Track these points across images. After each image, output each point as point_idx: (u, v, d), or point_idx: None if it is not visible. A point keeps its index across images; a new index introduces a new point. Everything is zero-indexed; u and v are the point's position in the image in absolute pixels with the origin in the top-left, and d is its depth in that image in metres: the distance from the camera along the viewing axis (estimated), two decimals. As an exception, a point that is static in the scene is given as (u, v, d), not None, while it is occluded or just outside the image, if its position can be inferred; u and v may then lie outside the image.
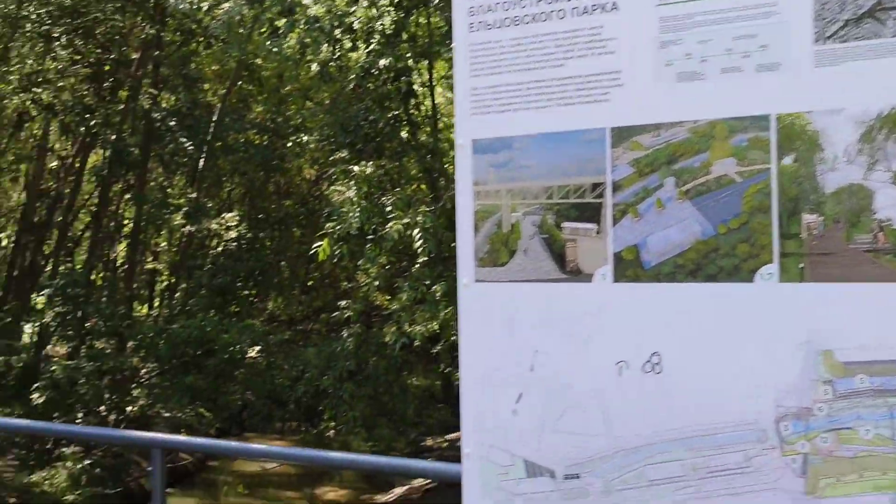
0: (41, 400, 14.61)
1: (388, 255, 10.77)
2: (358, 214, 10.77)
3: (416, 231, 10.31)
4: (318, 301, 21.88)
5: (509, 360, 2.25)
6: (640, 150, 2.10)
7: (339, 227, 10.90)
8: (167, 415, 15.82)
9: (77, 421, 15.41)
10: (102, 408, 15.40)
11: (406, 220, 10.42)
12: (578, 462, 2.17)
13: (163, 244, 23.85)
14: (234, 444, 4.57)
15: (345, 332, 13.41)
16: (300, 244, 19.41)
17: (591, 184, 2.16)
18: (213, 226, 19.96)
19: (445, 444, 18.86)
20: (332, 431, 16.44)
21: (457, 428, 20.53)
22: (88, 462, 14.32)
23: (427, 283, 10.57)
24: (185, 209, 20.11)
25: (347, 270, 23.82)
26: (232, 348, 14.76)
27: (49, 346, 16.78)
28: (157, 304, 21.41)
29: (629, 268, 2.11)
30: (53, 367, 14.77)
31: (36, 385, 14.74)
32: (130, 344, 15.25)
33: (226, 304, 16.26)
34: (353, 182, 11.09)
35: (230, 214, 20.46)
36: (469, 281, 2.31)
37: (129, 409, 15.76)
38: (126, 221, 22.28)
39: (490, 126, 2.28)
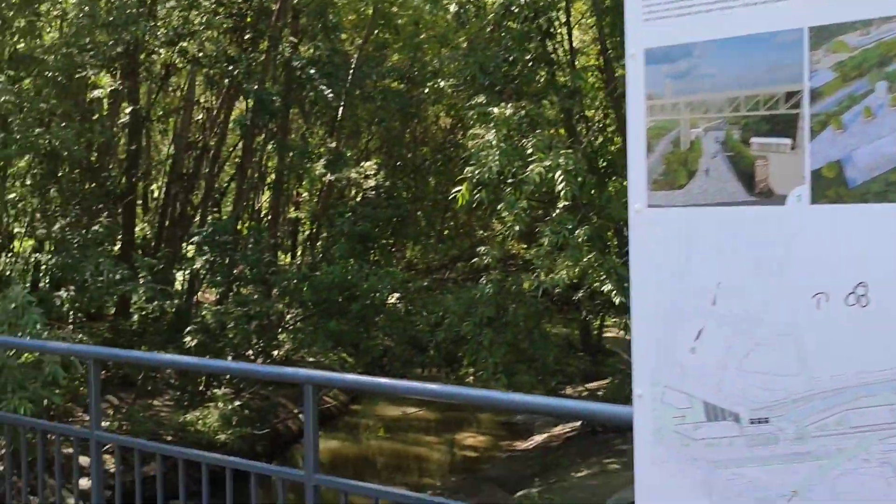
0: (193, 343, 15.20)
1: (528, 200, 10.55)
2: (497, 158, 10.57)
3: (557, 174, 10.05)
4: (454, 250, 21.91)
5: (687, 293, 2.03)
6: (845, 51, 1.82)
7: (478, 171, 10.74)
8: (311, 359, 16.26)
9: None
10: (250, 352, 15.93)
11: (547, 163, 10.16)
12: (767, 405, 1.95)
13: (304, 193, 24.37)
14: (384, 381, 4.47)
15: (483, 278, 13.32)
16: (436, 192, 19.41)
17: (785, 93, 1.89)
18: (353, 175, 20.20)
19: (586, 393, 18.69)
20: (471, 377, 16.52)
21: (596, 377, 20.31)
22: (238, 403, 14.86)
23: (569, 227, 10.32)
24: (325, 158, 20.42)
25: (483, 219, 23.78)
26: (373, 295, 14.91)
27: (199, 293, 17.42)
28: (299, 251, 21.90)
29: (830, 187, 1.85)
30: (204, 313, 15.34)
31: (188, 329, 15.36)
32: (275, 290, 15.65)
33: (366, 252, 16.43)
34: (492, 124, 10.89)
35: (368, 163, 20.67)
36: (641, 206, 2.09)
37: (274, 353, 16.26)
38: (269, 171, 22.85)
39: (666, 33, 2.03)
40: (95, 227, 13.94)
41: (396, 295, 15.91)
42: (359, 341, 15.19)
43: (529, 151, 10.49)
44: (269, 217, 22.53)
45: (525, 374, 13.83)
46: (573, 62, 14.01)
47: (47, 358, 9.59)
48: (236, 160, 21.55)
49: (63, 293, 12.58)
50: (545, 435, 18.97)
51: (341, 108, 20.70)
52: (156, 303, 15.59)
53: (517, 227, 10.56)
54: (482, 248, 13.69)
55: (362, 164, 20.67)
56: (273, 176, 22.48)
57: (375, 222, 17.27)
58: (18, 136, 12.94)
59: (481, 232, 26.45)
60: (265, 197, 23.44)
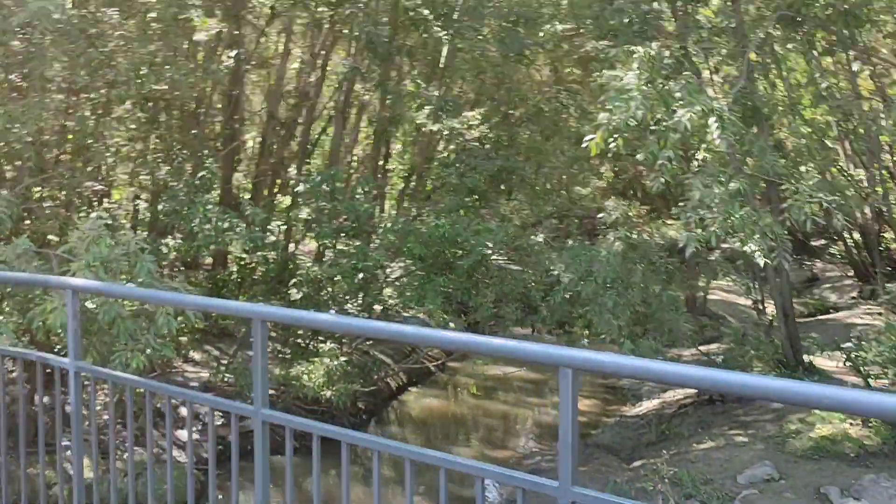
0: (299, 296, 14.68)
1: (674, 149, 9.54)
2: (641, 102, 9.59)
3: (711, 120, 9.03)
4: (551, 206, 20.97)
5: None
6: None
7: (616, 117, 9.78)
8: (420, 317, 15.60)
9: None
10: (350, 306, 15.35)
11: (698, 108, 9.14)
12: None
13: (398, 145, 23.63)
14: (345, 320, 4.03)
15: (610, 235, 12.38)
16: (542, 145, 18.44)
17: None
18: (456, 124, 19.33)
19: (701, 357, 17.67)
20: (585, 340, 15.67)
21: (707, 341, 19.26)
22: (344, 359, 14.32)
23: (721, 180, 9.31)
24: (427, 107, 19.62)
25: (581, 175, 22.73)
26: (483, 250, 14.12)
27: (300, 244, 16.87)
28: (396, 204, 21.19)
29: None
30: (309, 264, 14.79)
31: (293, 281, 14.84)
32: (379, 242, 15.00)
33: (475, 205, 15.61)
34: (636, 64, 9.88)
35: (472, 113, 19.76)
36: None
37: (377, 307, 15.66)
38: (370, 121, 22.15)
39: None
40: (202, 174, 13.39)
41: (508, 250, 15.10)
42: (468, 298, 14.43)
43: (678, 95, 9.46)
44: (364, 168, 21.91)
45: (648, 339, 12.91)
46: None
47: (159, 309, 9.06)
48: (331, 110, 20.88)
49: (170, 241, 12.08)
50: (656, 401, 18.07)
51: (445, 53, 19.83)
52: (259, 253, 15.09)
53: (662, 180, 9.59)
54: (609, 203, 12.73)
55: (466, 113, 19.77)
56: (373, 125, 21.79)
57: (484, 174, 16.39)
58: (125, 79, 12.41)
59: (579, 189, 25.43)
60: (362, 146, 22.80)
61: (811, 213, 8.98)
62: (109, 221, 12.77)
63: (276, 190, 18.93)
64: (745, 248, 9.99)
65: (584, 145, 10.43)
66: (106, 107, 13.41)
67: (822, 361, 16.58)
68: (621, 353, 12.89)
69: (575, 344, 15.30)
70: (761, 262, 10.36)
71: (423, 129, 20.85)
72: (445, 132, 20.09)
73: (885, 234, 25.91)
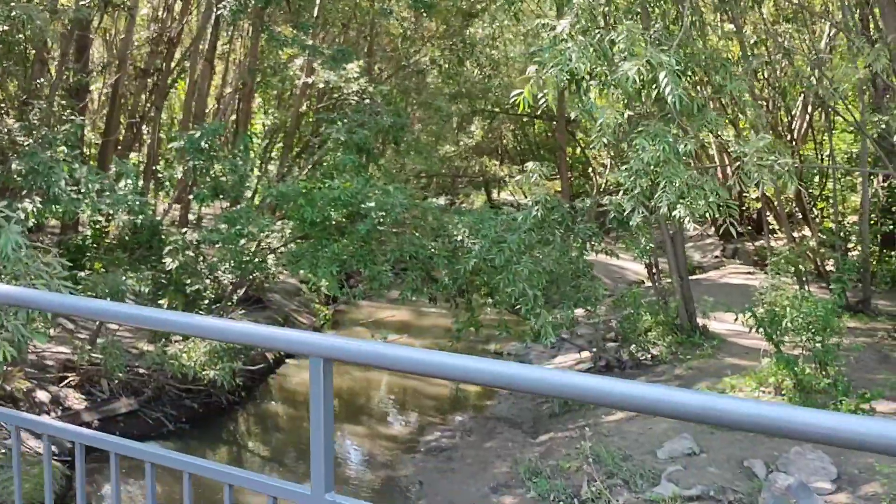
0: (174, 265, 13.17)
1: (621, 105, 8.72)
2: (578, 53, 8.69)
3: (662, 75, 8.23)
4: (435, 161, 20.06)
5: None
6: None
7: (552, 70, 8.86)
8: (308, 284, 14.38)
9: (206, 291, 14.04)
10: (222, 275, 13.97)
11: (646, 61, 8.32)
12: None
13: (272, 95, 22.07)
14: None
15: (530, 200, 11.51)
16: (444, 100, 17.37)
17: None
18: (333, 77, 18.04)
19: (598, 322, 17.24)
20: (488, 309, 14.87)
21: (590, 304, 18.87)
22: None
23: (668, 141, 8.56)
24: (301, 56, 18.26)
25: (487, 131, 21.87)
26: (382, 213, 13.01)
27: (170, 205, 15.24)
28: (271, 161, 19.71)
29: None
30: (185, 230, 13.28)
31: (168, 248, 13.31)
32: (258, 205, 13.64)
33: (366, 164, 14.43)
34: (571, 11, 8.96)
35: (351, 65, 18.49)
36: None
37: (265, 277, 14.36)
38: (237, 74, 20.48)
39: None
40: (67, 127, 11.61)
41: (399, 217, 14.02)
42: (363, 267, 13.30)
43: (621, 47, 8.61)
44: (236, 124, 20.30)
45: (563, 308, 12.21)
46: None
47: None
48: (195, 59, 19.10)
49: (28, 205, 10.34)
50: (547, 367, 17.40)
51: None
52: (126, 217, 13.43)
53: (605, 140, 8.74)
54: (531, 165, 11.84)
55: (345, 65, 18.47)
56: (241, 77, 20.18)
57: (373, 131, 15.21)
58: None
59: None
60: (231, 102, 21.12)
61: (763, 178, 8.35)
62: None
63: (134, 146, 17.09)
64: (675, 213, 9.33)
65: (511, 99, 9.47)
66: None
67: (712, 325, 16.49)
68: (534, 325, 12.18)
69: (475, 313, 14.49)
70: (690, 227, 9.78)
71: (296, 81, 19.47)
72: (321, 85, 18.80)
73: (746, 194, 26.18)
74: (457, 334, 14.64)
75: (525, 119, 31.30)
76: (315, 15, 19.48)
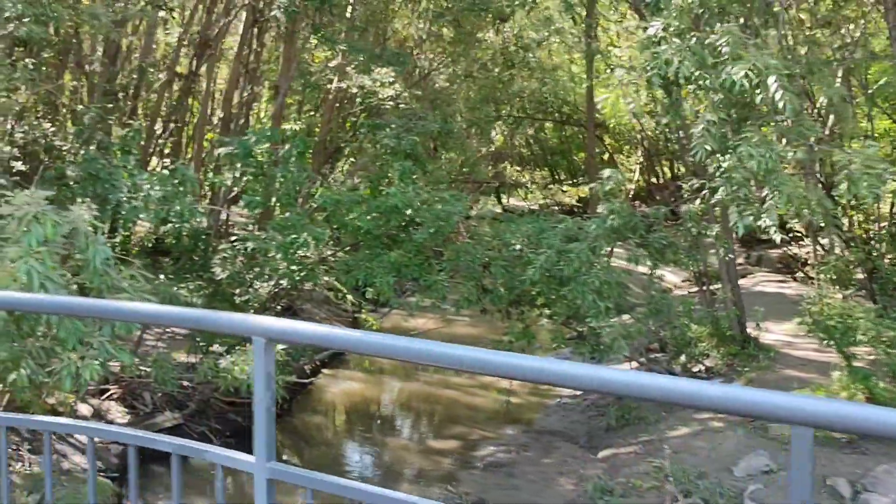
0: (224, 275, 12.77)
1: (717, 111, 8.33)
2: (680, 55, 8.32)
3: (771, 80, 7.85)
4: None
5: None
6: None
7: (647, 72, 8.48)
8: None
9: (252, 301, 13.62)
10: (262, 286, 13.54)
11: (749, 65, 7.95)
12: None
13: (309, 99, 21.68)
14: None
15: (603, 207, 11.11)
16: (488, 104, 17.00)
17: None
18: (367, 82, 17.66)
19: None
20: (546, 320, 14.46)
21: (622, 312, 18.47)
22: (282, 348, 12.53)
23: (774, 149, 8.17)
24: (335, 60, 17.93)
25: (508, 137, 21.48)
26: (440, 222, 12.63)
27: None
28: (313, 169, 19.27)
29: None
30: (241, 237, 12.88)
31: (218, 257, 12.91)
32: (310, 213, 13.25)
33: (417, 171, 14.01)
34: (670, 12, 8.57)
35: (385, 70, 18.11)
36: None
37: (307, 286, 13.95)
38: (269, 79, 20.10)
39: None
40: (127, 132, 11.18)
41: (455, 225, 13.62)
42: (419, 277, 12.88)
43: (725, 49, 8.23)
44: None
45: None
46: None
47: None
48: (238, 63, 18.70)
49: (84, 213, 9.84)
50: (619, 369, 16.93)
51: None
52: (169, 225, 12.98)
53: (707, 147, 8.35)
54: (606, 171, 11.45)
55: (377, 69, 18.10)
56: (271, 83, 19.82)
57: (422, 136, 14.82)
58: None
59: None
60: (264, 107, 20.74)
61: (872, 187, 7.97)
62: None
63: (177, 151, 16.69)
64: (760, 222, 8.96)
65: (597, 103, 9.05)
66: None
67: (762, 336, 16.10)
68: (605, 337, 11.76)
69: (528, 327, 14.03)
70: (777, 237, 9.39)
71: (330, 86, 19.10)
72: (355, 90, 18.44)
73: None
74: (507, 346, 14.23)
75: (540, 124, 31.02)
76: (350, 18, 19.16)
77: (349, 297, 22.16)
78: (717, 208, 11.65)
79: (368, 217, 12.43)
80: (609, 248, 12.05)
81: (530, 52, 17.55)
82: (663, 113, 9.20)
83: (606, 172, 11.37)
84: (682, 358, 15.33)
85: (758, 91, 8.16)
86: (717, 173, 8.39)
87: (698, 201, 10.08)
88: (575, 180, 37.22)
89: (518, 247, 12.62)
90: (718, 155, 8.19)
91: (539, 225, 12.76)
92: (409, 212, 12.64)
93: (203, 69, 19.11)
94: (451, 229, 12.75)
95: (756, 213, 8.16)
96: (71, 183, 10.33)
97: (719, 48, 8.37)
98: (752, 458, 11.26)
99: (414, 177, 13.61)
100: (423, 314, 17.90)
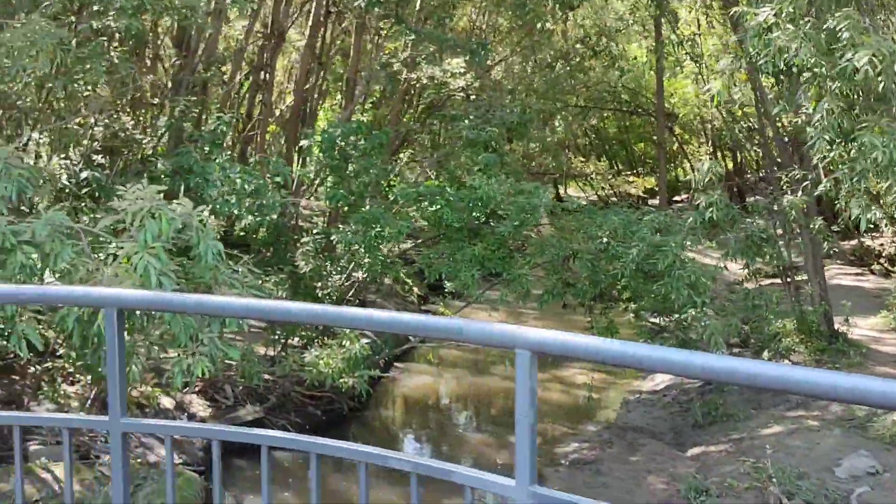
0: (308, 268, 12.69)
1: (834, 100, 7.98)
2: (796, 41, 7.99)
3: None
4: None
5: None
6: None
7: (757, 59, 8.16)
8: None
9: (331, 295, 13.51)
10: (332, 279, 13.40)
11: (881, 50, 7.59)
12: None
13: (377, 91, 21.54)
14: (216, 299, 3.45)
15: (701, 200, 10.79)
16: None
17: None
18: (437, 73, 17.48)
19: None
20: (632, 315, 14.17)
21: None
22: (366, 341, 12.41)
23: (897, 138, 7.80)
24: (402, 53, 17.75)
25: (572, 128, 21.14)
26: (525, 214, 12.41)
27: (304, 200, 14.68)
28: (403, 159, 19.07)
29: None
30: (323, 231, 12.79)
31: (301, 250, 12.83)
32: (402, 206, 13.08)
33: (494, 163, 13.76)
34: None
35: (457, 60, 17.91)
36: None
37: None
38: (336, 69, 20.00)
39: None
40: (217, 125, 11.11)
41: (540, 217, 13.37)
42: (502, 270, 12.67)
43: (846, 35, 7.87)
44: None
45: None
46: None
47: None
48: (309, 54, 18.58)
49: (178, 208, 9.77)
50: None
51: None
52: (249, 218, 12.91)
53: (826, 137, 8.00)
54: (705, 160, 11.13)
55: (448, 60, 17.91)
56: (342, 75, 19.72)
57: (501, 127, 14.59)
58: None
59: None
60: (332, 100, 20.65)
61: None
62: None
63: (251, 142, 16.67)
64: (869, 215, 8.59)
65: (703, 93, 8.74)
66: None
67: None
68: (701, 334, 11.46)
69: (612, 322, 13.74)
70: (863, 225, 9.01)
71: (400, 77, 18.92)
72: (425, 81, 18.28)
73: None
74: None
75: (602, 114, 30.59)
76: (420, 9, 18.96)
77: (415, 289, 22.12)
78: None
79: (450, 210, 12.22)
80: (701, 243, 11.72)
81: (603, 39, 17.20)
82: (773, 102, 8.85)
83: (705, 164, 11.04)
84: (766, 353, 14.95)
85: (880, 79, 7.79)
86: (838, 164, 8.05)
87: (800, 193, 9.71)
88: (635, 170, 36.74)
89: (605, 240, 12.32)
90: (833, 146, 7.84)
91: (627, 217, 12.46)
92: (491, 204, 12.44)
93: (273, 61, 19.06)
94: (535, 222, 12.51)
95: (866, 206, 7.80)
96: (161, 177, 10.29)
97: (839, 34, 8.00)
98: (854, 459, 10.88)
99: (499, 169, 13.43)
100: (484, 307, 17.58)
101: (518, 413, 2.27)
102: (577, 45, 16.85)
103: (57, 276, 6.99)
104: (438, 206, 12.36)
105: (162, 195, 6.74)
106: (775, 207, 12.45)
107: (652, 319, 14.41)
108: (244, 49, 18.14)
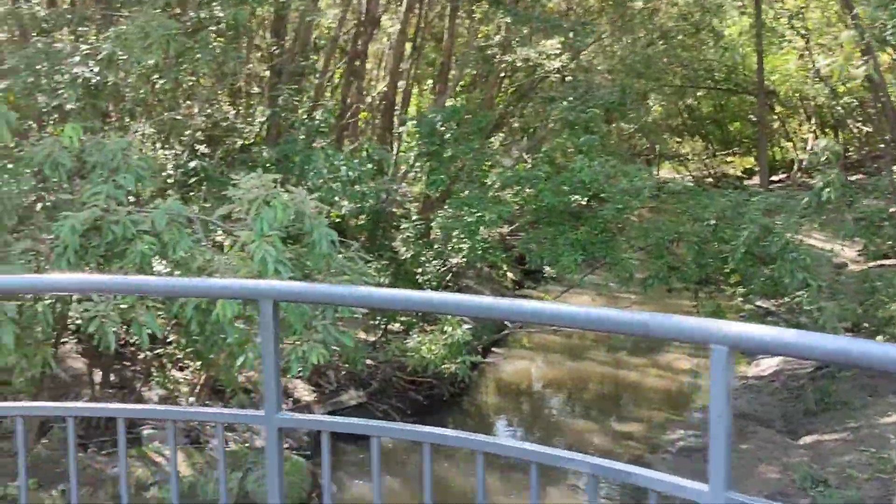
0: (409, 254, 12.67)
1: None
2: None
3: None
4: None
5: None
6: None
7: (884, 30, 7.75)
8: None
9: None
10: (429, 266, 13.31)
11: None
12: None
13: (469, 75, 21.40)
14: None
15: (819, 179, 10.36)
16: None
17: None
18: (532, 54, 17.22)
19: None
20: (739, 299, 13.77)
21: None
22: (468, 327, 12.33)
23: None
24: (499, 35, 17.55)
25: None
26: (627, 197, 12.14)
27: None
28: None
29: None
30: (422, 216, 12.76)
31: (401, 236, 12.82)
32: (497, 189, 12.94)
33: (595, 145, 13.48)
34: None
35: (552, 41, 17.64)
36: None
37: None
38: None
39: None
40: (321, 114, 11.17)
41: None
42: (604, 255, 12.43)
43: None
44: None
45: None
46: None
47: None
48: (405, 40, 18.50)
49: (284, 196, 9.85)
50: (778, 357, 16.26)
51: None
52: (353, 205, 12.93)
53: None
54: (821, 142, 10.72)
55: (543, 41, 17.66)
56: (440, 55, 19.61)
57: (602, 108, 14.31)
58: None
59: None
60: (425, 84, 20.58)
61: None
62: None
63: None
64: None
65: (821, 67, 8.37)
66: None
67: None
68: (817, 319, 11.04)
69: (721, 307, 13.40)
70: None
71: (495, 60, 18.73)
72: (519, 64, 18.07)
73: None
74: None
75: (696, 93, 29.83)
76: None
77: (509, 274, 21.96)
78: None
79: (551, 194, 12.04)
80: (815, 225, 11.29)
81: (707, 16, 16.70)
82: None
83: (821, 142, 10.61)
84: (880, 338, 14.34)
85: None
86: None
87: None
88: (730, 150, 35.77)
89: (712, 222, 11.97)
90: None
91: (735, 198, 12.08)
92: (594, 187, 12.21)
93: (365, 48, 19.07)
94: (640, 205, 12.23)
95: None
96: (267, 165, 10.37)
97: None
98: None
99: (599, 152, 13.17)
100: (579, 291, 17.21)
101: (712, 413, 2.07)
102: (679, 23, 16.38)
103: (171, 265, 7.09)
104: (539, 190, 12.19)
105: (278, 184, 6.74)
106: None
107: (757, 303, 14.02)
108: (338, 37, 18.18)
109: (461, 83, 21.83)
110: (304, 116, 11.61)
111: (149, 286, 3.21)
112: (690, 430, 13.33)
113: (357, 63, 17.95)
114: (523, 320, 6.18)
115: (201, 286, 3.03)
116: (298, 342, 6.89)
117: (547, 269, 13.27)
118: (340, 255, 7.16)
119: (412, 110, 20.99)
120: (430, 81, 22.65)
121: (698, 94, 30.53)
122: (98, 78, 8.03)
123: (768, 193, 12.02)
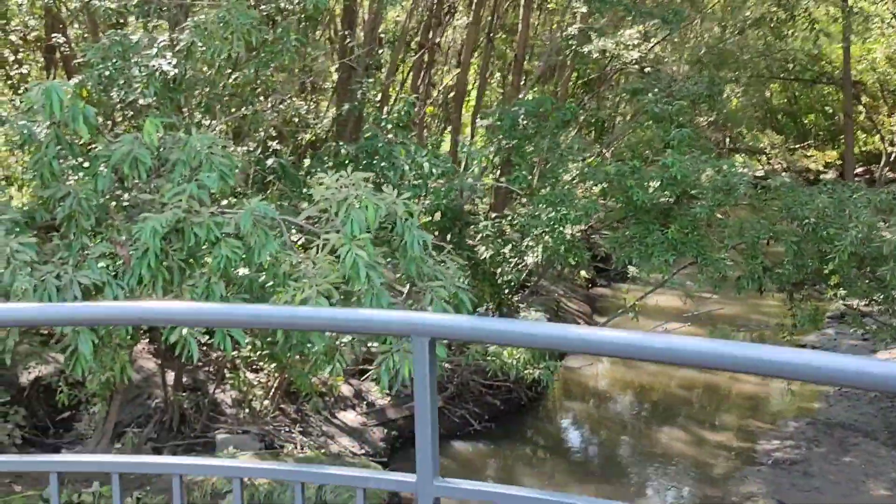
0: (488, 254, 12.16)
1: None
2: None
3: None
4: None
5: None
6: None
7: None
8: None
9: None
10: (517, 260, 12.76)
11: None
12: None
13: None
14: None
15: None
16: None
17: None
18: (610, 44, 16.55)
19: None
20: (840, 301, 13.01)
21: None
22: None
23: None
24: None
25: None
26: (720, 195, 11.48)
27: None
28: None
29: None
30: (502, 214, 12.23)
31: (480, 235, 12.32)
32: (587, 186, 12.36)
33: (686, 139, 12.78)
34: None
35: (630, 31, 16.98)
36: None
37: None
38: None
39: None
40: (401, 107, 10.71)
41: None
42: (696, 254, 11.75)
43: None
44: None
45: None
46: None
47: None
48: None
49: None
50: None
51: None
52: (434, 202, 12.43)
53: None
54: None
55: (622, 31, 17.00)
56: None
57: (689, 100, 13.63)
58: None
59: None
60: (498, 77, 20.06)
61: None
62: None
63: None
64: None
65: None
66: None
67: None
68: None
69: (817, 310, 12.65)
70: None
71: (570, 51, 18.08)
72: (597, 55, 17.39)
73: None
74: (792, 329, 12.92)
75: (773, 84, 28.75)
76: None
77: (583, 273, 21.29)
78: None
79: (640, 191, 11.41)
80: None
81: (802, 1, 15.91)
82: None
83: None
84: None
85: None
86: None
87: None
88: (807, 143, 34.55)
89: (812, 220, 11.23)
90: None
91: (837, 195, 11.33)
92: (685, 183, 11.56)
93: (436, 41, 18.61)
94: (734, 202, 11.55)
95: None
96: (345, 161, 9.93)
97: None
98: None
99: (689, 146, 12.50)
100: (673, 292, 16.43)
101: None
102: (773, 9, 15.58)
103: (254, 269, 6.66)
104: (629, 186, 11.58)
105: (369, 182, 6.26)
106: None
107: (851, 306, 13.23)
108: (408, 30, 17.75)
109: (533, 74, 21.27)
110: (383, 110, 11.14)
111: (261, 316, 2.70)
112: (787, 440, 12.59)
113: (428, 56, 17.50)
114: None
115: (358, 319, 2.43)
116: (388, 353, 6.43)
117: (631, 269, 12.59)
118: (431, 259, 6.66)
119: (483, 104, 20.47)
120: (497, 75, 22.11)
121: (772, 85, 29.47)
122: (176, 71, 7.66)
123: (874, 190, 11.22)
